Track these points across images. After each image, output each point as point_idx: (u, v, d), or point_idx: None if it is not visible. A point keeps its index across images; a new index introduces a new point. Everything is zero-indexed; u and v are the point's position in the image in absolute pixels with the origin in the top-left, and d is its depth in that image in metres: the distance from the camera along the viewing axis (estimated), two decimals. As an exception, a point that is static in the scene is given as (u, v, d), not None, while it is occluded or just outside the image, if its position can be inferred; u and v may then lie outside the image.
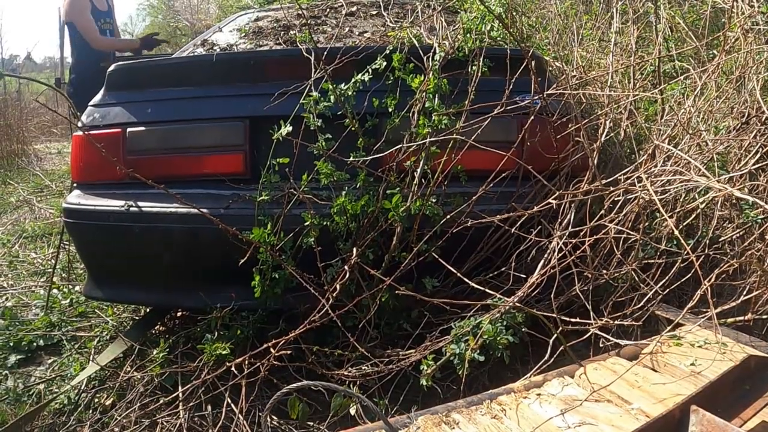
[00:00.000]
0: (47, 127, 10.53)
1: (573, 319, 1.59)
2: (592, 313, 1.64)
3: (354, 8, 3.14)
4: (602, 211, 1.86)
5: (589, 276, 1.84)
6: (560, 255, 1.72)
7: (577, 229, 1.80)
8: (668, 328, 1.67)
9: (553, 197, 1.80)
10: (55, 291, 3.14)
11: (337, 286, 1.85)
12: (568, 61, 3.14)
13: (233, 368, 1.91)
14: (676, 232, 1.51)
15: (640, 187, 1.68)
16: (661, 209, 1.53)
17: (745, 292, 1.81)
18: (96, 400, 2.18)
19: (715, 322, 1.46)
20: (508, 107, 1.99)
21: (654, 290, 1.71)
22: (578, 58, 2.95)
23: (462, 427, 1.32)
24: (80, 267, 3.35)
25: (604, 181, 1.85)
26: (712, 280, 1.44)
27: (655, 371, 1.53)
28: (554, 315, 1.58)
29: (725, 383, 1.41)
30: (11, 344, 2.62)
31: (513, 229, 1.84)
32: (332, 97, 2.02)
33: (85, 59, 4.87)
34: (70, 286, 3.24)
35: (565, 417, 1.32)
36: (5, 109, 8.42)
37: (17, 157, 7.83)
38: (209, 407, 2.00)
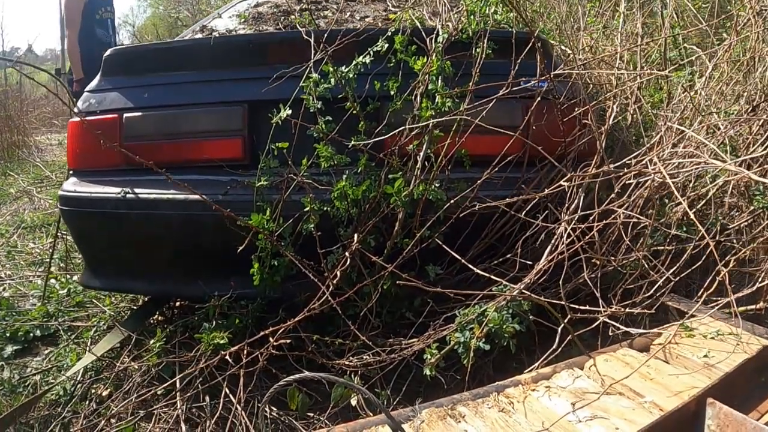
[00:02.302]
0: (48, 119, 10.53)
1: (581, 307, 1.54)
2: (600, 300, 1.59)
3: (355, -8, 3.08)
4: (612, 195, 1.80)
5: (597, 263, 1.79)
6: (568, 241, 1.66)
7: (586, 213, 1.74)
8: (682, 319, 1.61)
9: (564, 180, 1.74)
10: (52, 281, 3.11)
11: (338, 273, 1.80)
12: (573, 47, 3.08)
13: (231, 358, 1.87)
14: (692, 215, 1.46)
15: (652, 169, 1.62)
16: (675, 192, 1.47)
17: (759, 281, 1.75)
18: (92, 390, 2.15)
19: (734, 311, 1.41)
20: (513, 90, 1.93)
21: (665, 277, 1.66)
22: (583, 43, 2.89)
23: (468, 421, 1.27)
24: (78, 256, 3.31)
25: (613, 165, 1.79)
26: (730, 265, 1.39)
27: (667, 363, 1.48)
28: (562, 303, 1.52)
29: (741, 375, 1.36)
30: (8, 335, 2.58)
31: (521, 215, 1.78)
32: (333, 80, 1.96)
33: (86, 51, 4.86)
34: (68, 276, 3.20)
35: (575, 411, 1.27)
36: (6, 100, 8.43)
37: (18, 148, 7.83)
38: (207, 398, 1.95)
